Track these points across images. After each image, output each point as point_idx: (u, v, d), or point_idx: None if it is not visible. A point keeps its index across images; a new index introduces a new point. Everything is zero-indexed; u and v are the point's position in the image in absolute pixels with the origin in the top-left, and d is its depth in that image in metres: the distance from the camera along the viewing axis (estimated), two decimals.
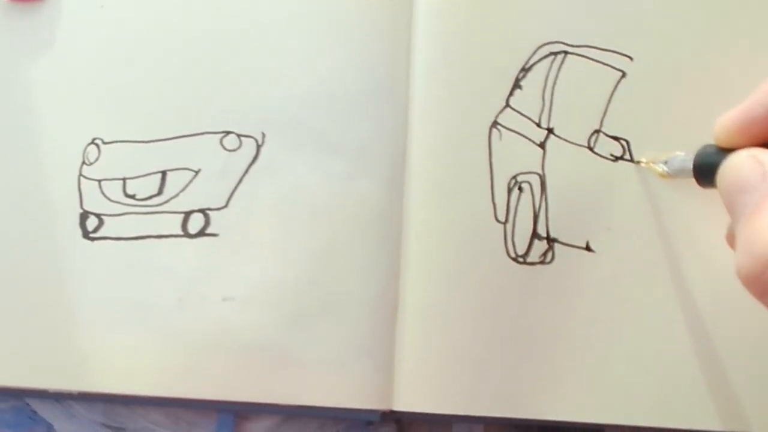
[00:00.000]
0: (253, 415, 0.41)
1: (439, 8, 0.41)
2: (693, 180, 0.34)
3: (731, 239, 0.35)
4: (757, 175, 0.28)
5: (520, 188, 0.40)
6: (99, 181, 0.41)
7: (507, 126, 0.40)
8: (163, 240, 0.41)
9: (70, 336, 0.40)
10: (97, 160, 0.41)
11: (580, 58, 0.40)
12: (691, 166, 0.34)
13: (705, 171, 0.33)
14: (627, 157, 0.39)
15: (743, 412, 0.38)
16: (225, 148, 0.41)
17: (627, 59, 0.40)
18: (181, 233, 0.41)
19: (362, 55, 0.41)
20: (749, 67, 0.39)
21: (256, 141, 0.41)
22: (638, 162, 0.39)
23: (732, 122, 0.31)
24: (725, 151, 0.31)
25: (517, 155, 0.40)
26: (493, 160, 0.40)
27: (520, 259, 0.39)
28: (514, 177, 0.40)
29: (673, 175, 0.37)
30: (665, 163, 0.37)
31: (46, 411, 0.41)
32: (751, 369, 0.38)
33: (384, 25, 0.41)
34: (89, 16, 0.42)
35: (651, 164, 0.39)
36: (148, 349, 0.40)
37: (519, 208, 0.40)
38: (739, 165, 0.29)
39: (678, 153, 0.37)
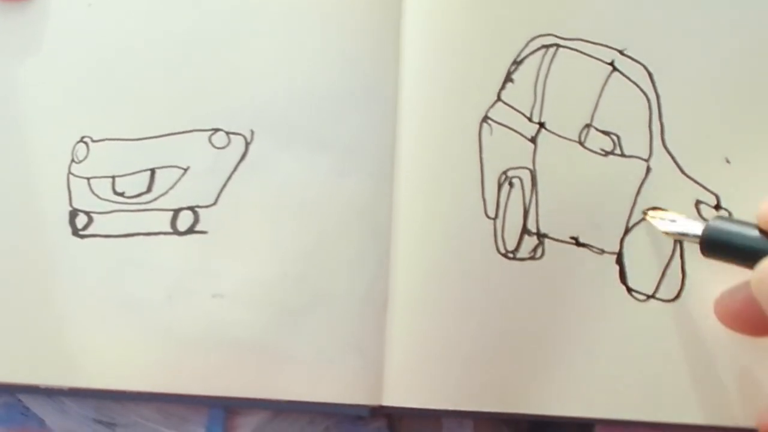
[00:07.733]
0: (244, 410, 0.41)
1: (429, 0, 0.40)
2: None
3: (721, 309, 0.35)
4: None
5: (510, 183, 0.40)
6: (88, 179, 0.41)
7: (498, 120, 0.40)
8: (153, 237, 0.41)
9: (61, 333, 0.40)
10: (86, 158, 0.41)
11: (571, 51, 0.40)
12: (699, 235, 0.34)
13: (722, 245, 0.33)
14: (617, 151, 0.39)
15: (730, 406, 0.38)
16: (214, 146, 0.41)
17: (618, 53, 0.39)
18: (171, 230, 0.41)
19: (350, 51, 0.41)
20: (745, 60, 0.39)
21: (245, 138, 0.41)
22: (644, 213, 0.39)
23: None
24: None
25: (507, 150, 0.40)
26: (484, 155, 0.40)
27: (510, 255, 0.39)
28: (505, 172, 0.40)
29: (679, 238, 0.37)
30: (673, 221, 0.37)
31: (38, 407, 0.41)
32: (737, 363, 0.38)
33: (373, 20, 0.41)
34: (77, 15, 0.42)
35: (658, 218, 0.38)
36: (138, 345, 0.40)
37: (509, 203, 0.39)
38: None
39: (687, 218, 0.36)
